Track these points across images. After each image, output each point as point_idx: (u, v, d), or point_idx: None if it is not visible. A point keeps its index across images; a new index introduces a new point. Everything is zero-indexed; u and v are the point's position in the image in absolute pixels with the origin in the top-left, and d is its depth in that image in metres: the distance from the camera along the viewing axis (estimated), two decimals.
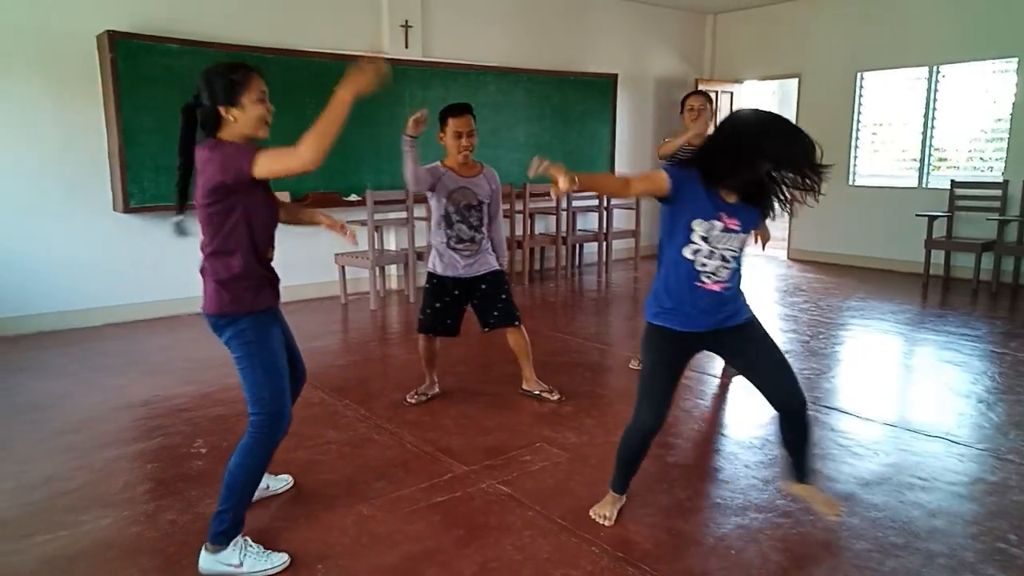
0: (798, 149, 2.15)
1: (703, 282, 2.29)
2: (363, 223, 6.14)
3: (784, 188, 2.24)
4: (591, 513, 2.61)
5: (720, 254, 2.27)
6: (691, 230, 2.25)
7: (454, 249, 3.59)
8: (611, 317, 6.12)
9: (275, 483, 2.84)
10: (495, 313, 3.67)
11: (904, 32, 7.60)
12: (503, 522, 2.58)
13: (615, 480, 2.62)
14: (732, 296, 2.35)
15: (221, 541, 2.28)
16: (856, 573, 2.27)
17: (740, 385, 4.04)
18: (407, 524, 2.57)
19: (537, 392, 3.79)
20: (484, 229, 3.64)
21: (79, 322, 5.45)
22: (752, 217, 2.30)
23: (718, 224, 2.24)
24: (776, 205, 2.29)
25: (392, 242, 6.87)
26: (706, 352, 2.55)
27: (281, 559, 2.32)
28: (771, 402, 2.39)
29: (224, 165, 2.11)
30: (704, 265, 2.27)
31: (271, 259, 2.35)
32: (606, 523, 2.56)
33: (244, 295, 2.24)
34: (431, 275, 3.68)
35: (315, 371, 4.31)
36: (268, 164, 2.09)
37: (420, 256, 6.44)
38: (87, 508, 2.71)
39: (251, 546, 2.32)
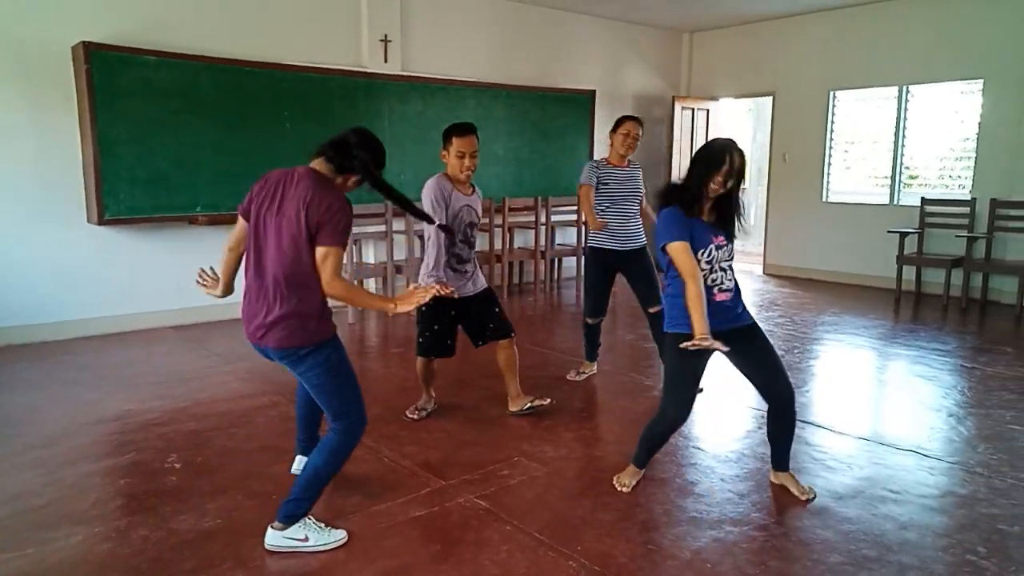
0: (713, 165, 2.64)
1: (714, 294, 2.70)
2: None
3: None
4: (614, 480, 2.98)
5: (720, 267, 2.73)
6: (698, 259, 2.67)
7: (454, 270, 3.56)
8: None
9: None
10: (491, 326, 3.67)
11: (875, 52, 7.78)
12: (481, 537, 2.58)
13: (638, 457, 2.99)
14: (736, 301, 2.77)
15: (290, 523, 2.46)
16: None
17: (715, 399, 4.07)
18: (384, 539, 2.56)
19: (528, 406, 3.78)
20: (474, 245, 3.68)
21: (50, 335, 5.36)
22: (727, 228, 2.77)
23: (712, 246, 2.70)
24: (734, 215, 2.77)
25: (371, 255, 6.86)
26: None
27: (341, 535, 2.51)
28: (764, 395, 2.84)
29: (327, 209, 2.33)
30: (714, 281, 2.71)
31: None
32: (624, 490, 2.93)
33: (326, 324, 2.45)
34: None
35: (292, 384, 4.26)
36: (334, 264, 2.35)
37: (399, 269, 6.44)
38: (56, 525, 2.66)
39: (313, 523, 2.49)
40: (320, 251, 2.32)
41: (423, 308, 3.60)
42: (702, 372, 2.81)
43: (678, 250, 2.65)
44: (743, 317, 2.80)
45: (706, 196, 2.67)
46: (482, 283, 3.70)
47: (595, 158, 4.23)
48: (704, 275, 2.67)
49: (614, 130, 4.23)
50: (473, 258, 3.66)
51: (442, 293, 2.52)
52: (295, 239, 2.31)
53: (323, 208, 2.30)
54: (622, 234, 4.22)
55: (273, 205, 2.36)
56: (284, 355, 2.41)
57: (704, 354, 2.73)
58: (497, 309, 3.70)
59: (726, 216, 2.75)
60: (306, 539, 2.45)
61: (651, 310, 4.24)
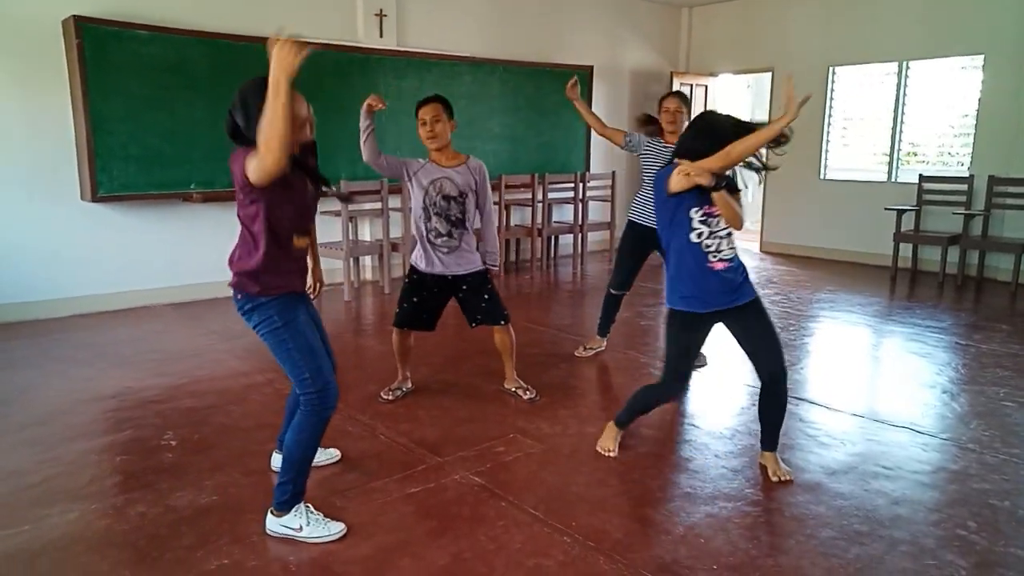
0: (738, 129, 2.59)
1: (711, 262, 2.66)
2: (337, 213, 6.10)
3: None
4: (598, 447, 3.07)
5: (718, 234, 2.65)
6: (691, 218, 2.62)
7: (432, 244, 3.49)
8: (586, 309, 6.15)
9: (319, 455, 2.85)
10: (479, 315, 3.62)
11: (874, 28, 7.71)
12: (476, 513, 2.59)
13: (621, 418, 3.06)
14: (737, 272, 2.71)
15: (284, 508, 2.44)
16: (822, 560, 2.32)
17: (710, 376, 4.09)
18: (380, 515, 2.57)
19: (513, 389, 3.79)
20: (466, 224, 3.52)
21: (44, 313, 5.35)
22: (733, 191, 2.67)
23: (704, 212, 2.62)
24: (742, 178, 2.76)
25: (367, 233, 6.84)
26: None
27: (339, 528, 2.45)
28: (758, 369, 2.80)
29: (232, 169, 2.27)
30: (709, 246, 2.65)
31: (302, 247, 2.47)
32: (610, 455, 3.03)
33: (270, 281, 2.36)
34: (412, 269, 3.59)
35: None
36: (252, 167, 2.15)
37: (395, 247, 6.42)
38: (53, 502, 2.67)
39: (312, 513, 2.45)
40: (251, 172, 2.16)
41: (405, 279, 3.63)
42: (696, 347, 2.85)
43: (675, 174, 2.55)
44: (745, 291, 2.74)
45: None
46: (472, 266, 3.56)
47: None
48: (700, 240, 2.65)
49: (659, 107, 4.20)
50: (456, 235, 3.49)
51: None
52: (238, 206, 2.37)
53: (237, 167, 2.25)
54: (648, 210, 4.16)
55: None
56: (236, 306, 2.44)
57: (699, 331, 2.78)
58: (487, 296, 3.58)
59: (729, 180, 2.68)
60: (300, 529, 2.42)
61: (613, 291, 4.31)
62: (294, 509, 2.44)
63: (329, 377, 2.43)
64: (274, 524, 2.45)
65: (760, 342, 2.77)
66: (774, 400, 2.84)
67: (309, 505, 2.47)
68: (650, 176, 4.12)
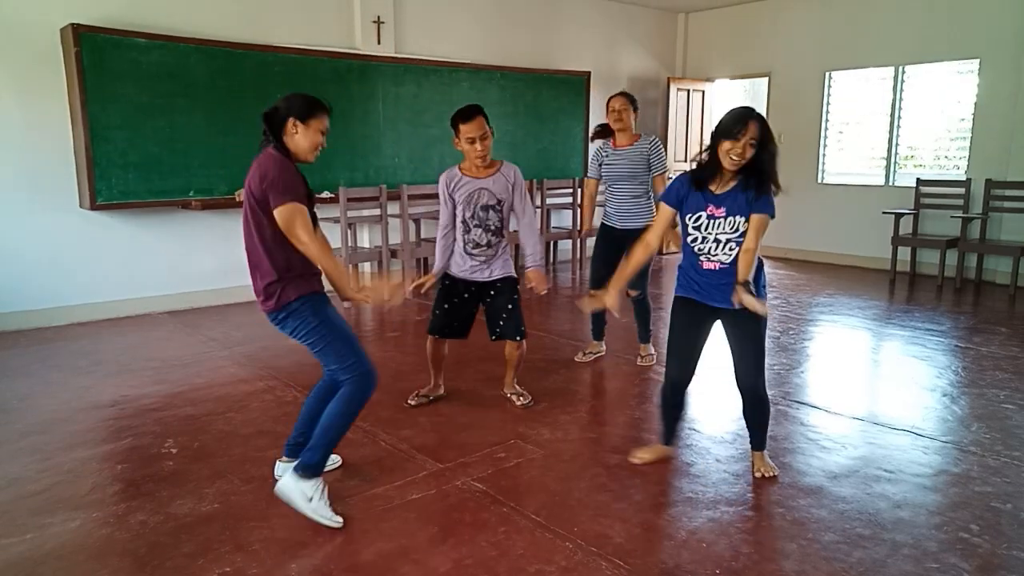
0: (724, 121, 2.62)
1: (701, 262, 2.75)
2: (336, 220, 6.10)
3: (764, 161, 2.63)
4: (633, 458, 3.06)
5: (714, 237, 2.70)
6: (687, 224, 2.75)
7: (470, 255, 3.52)
8: (585, 314, 6.15)
9: None
10: (500, 323, 3.59)
11: (871, 32, 7.74)
12: (478, 519, 2.59)
13: (661, 432, 3.10)
14: (727, 276, 2.71)
15: (309, 474, 2.53)
16: (824, 564, 2.31)
17: (711, 380, 4.09)
18: (381, 522, 2.57)
19: (508, 395, 3.79)
20: (503, 232, 3.53)
21: (43, 322, 5.34)
22: (738, 202, 2.67)
23: (704, 214, 2.70)
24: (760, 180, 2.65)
25: (366, 239, 6.84)
26: None
27: (338, 520, 2.53)
28: (736, 379, 2.85)
29: (262, 180, 2.44)
30: (701, 249, 2.74)
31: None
32: (637, 462, 3.03)
33: (300, 284, 2.53)
34: (446, 275, 3.61)
35: (288, 369, 4.29)
36: (287, 221, 2.42)
37: (394, 253, 6.42)
38: (54, 510, 2.66)
39: (325, 496, 2.56)
40: (276, 214, 2.43)
41: (440, 285, 3.64)
42: (700, 334, 2.86)
43: (658, 211, 2.87)
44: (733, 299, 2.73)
45: (721, 166, 2.60)
46: (503, 271, 3.56)
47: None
48: (693, 242, 2.75)
49: (606, 109, 4.28)
50: (496, 243, 3.51)
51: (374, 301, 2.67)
52: (249, 213, 2.51)
53: (258, 178, 2.45)
54: (616, 213, 4.28)
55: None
56: (270, 319, 2.58)
57: (690, 316, 2.84)
58: (511, 306, 3.55)
59: (760, 187, 2.63)
60: (311, 500, 2.51)
61: (630, 293, 4.30)
62: (316, 480, 2.53)
63: (369, 359, 2.61)
64: (292, 484, 2.53)
65: (738, 354, 2.82)
66: (749, 409, 2.90)
67: (326, 486, 2.58)
68: (608, 179, 4.28)
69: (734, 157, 2.56)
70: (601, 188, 4.43)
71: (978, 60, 7.02)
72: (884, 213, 7.35)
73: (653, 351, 4.49)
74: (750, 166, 2.60)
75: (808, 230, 8.44)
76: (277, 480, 2.85)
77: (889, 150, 7.81)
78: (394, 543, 2.44)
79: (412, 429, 3.41)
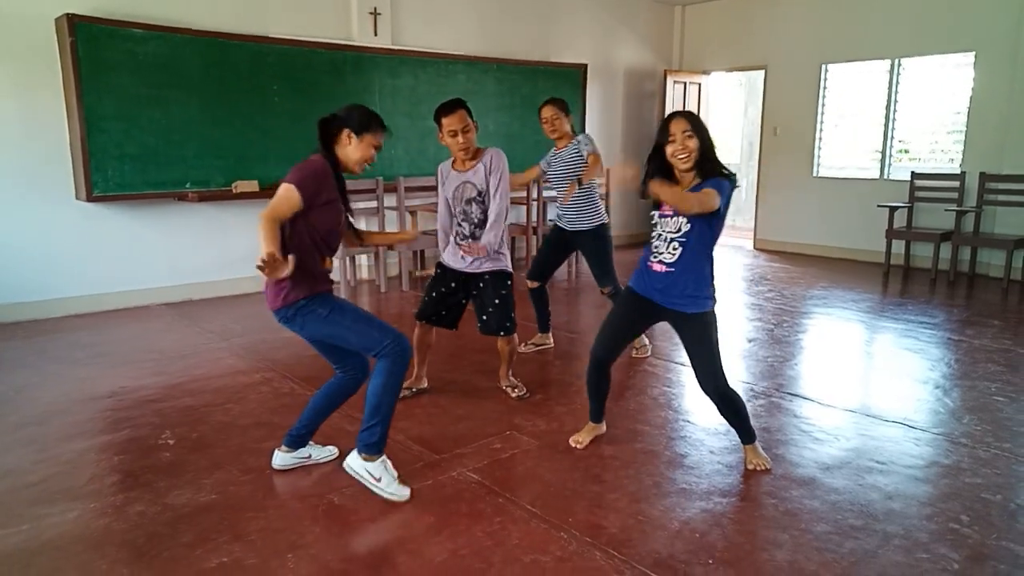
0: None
1: (651, 262, 2.82)
2: None
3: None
4: (570, 440, 3.15)
5: (665, 236, 2.76)
6: (653, 221, 2.83)
7: (459, 245, 3.58)
8: (580, 306, 6.18)
9: (317, 452, 2.97)
10: (484, 317, 3.60)
11: (866, 25, 7.74)
12: (473, 509, 2.61)
13: (591, 409, 3.19)
14: (671, 281, 2.76)
15: (373, 452, 2.62)
16: (816, 555, 2.34)
17: None
18: (378, 512, 2.59)
19: (503, 386, 3.82)
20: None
21: (40, 314, 5.34)
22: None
23: (658, 213, 2.79)
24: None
25: None
26: (677, 342, 2.86)
27: (407, 492, 2.64)
28: (698, 383, 2.87)
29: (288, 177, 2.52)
30: (656, 247, 2.80)
31: (328, 268, 2.68)
32: (578, 447, 3.11)
33: (311, 283, 2.56)
34: (438, 263, 3.70)
35: (285, 361, 4.31)
36: (275, 197, 2.47)
37: (390, 246, 6.42)
38: (52, 501, 2.68)
39: (391, 470, 2.66)
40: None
41: (432, 273, 3.72)
42: (632, 322, 2.98)
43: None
44: (678, 303, 2.77)
45: (672, 164, 2.70)
46: (491, 264, 3.54)
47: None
48: (650, 240, 2.84)
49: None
50: (480, 236, 3.52)
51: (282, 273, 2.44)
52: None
53: (287, 178, 2.54)
54: (566, 215, 4.35)
55: None
56: (277, 318, 2.61)
57: (629, 307, 2.93)
58: (497, 300, 3.54)
59: (704, 175, 2.69)
60: (379, 480, 2.61)
61: (602, 291, 4.38)
62: (380, 459, 2.62)
63: (393, 328, 2.63)
64: (358, 465, 2.63)
65: (692, 357, 2.86)
66: (721, 408, 2.92)
67: (389, 461, 2.67)
68: (557, 183, 4.36)
69: (680, 156, 2.65)
70: (554, 191, 4.47)
71: (974, 53, 7.03)
72: (879, 206, 7.38)
73: (647, 343, 4.51)
74: (703, 159, 2.69)
75: (803, 223, 8.47)
76: (274, 471, 2.88)
77: (884, 143, 7.83)
78: (390, 533, 2.46)
79: (408, 420, 3.43)
